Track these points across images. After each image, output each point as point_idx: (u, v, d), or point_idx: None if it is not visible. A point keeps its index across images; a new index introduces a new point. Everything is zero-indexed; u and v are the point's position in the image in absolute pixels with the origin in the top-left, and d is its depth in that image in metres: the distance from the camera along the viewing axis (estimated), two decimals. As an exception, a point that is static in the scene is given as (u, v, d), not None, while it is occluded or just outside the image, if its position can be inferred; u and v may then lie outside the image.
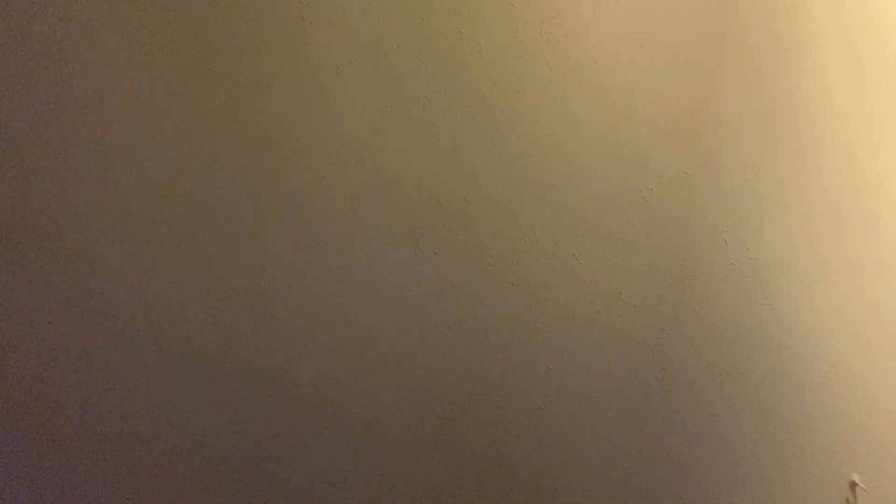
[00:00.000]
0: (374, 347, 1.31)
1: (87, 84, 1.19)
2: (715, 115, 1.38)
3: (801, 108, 1.41)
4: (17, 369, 1.21)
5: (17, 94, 1.17)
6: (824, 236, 1.43)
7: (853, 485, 1.45)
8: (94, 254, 1.21)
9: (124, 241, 1.22)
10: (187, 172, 1.23)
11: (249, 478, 1.28)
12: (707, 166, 1.38)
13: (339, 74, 1.26)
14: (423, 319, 1.31)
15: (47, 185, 1.19)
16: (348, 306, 1.29)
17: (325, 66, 1.25)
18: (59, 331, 1.21)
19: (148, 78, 1.21)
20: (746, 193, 1.40)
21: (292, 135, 1.25)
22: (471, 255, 1.32)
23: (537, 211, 1.33)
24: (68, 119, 1.19)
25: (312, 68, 1.25)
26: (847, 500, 1.45)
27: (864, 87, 1.43)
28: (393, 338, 1.31)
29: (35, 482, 1.22)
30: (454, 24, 1.29)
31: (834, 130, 1.42)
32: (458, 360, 1.33)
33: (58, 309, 1.21)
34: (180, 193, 1.23)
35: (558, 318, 1.36)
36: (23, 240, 1.19)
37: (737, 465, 1.43)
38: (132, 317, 1.23)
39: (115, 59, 1.20)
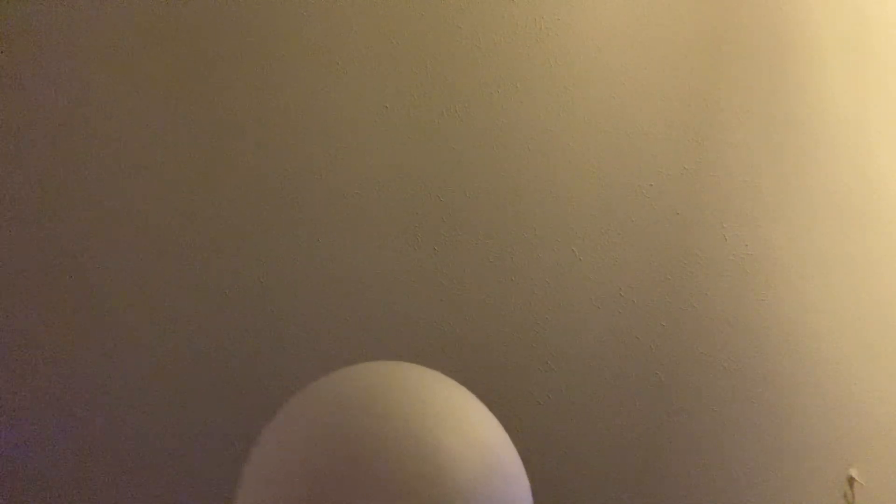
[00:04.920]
0: (373, 343, 1.31)
1: (86, 82, 1.19)
2: (715, 112, 1.38)
3: (802, 104, 1.41)
4: (13, 367, 1.20)
5: (19, 91, 1.17)
6: (824, 233, 1.43)
7: (851, 480, 1.45)
8: (91, 249, 1.21)
9: (121, 237, 1.22)
10: (186, 169, 1.23)
11: (249, 474, 1.28)
12: (707, 163, 1.38)
13: (338, 70, 1.26)
14: (423, 315, 1.31)
15: (45, 181, 1.19)
16: (347, 302, 1.29)
17: (324, 62, 1.25)
18: (55, 328, 1.21)
19: (146, 74, 1.20)
20: (746, 190, 1.40)
21: (290, 130, 1.25)
22: (470, 252, 1.32)
23: (537, 207, 1.33)
24: (65, 115, 1.19)
25: (311, 64, 1.25)
26: (845, 496, 1.46)
27: (864, 84, 1.43)
28: (392, 334, 1.31)
29: (21, 482, 1.22)
30: (453, 19, 1.28)
31: (835, 127, 1.42)
32: (456, 356, 1.34)
33: (54, 305, 1.21)
34: (179, 189, 1.23)
35: (557, 313, 1.36)
36: (21, 237, 1.19)
37: (735, 460, 1.43)
38: (129, 312, 1.23)
39: (114, 56, 1.19)
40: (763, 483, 1.44)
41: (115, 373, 1.23)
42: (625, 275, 1.37)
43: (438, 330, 1.32)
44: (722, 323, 1.41)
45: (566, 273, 1.35)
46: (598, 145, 1.34)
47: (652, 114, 1.36)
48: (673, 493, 1.42)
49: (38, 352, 1.21)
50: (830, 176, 1.43)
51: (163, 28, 1.20)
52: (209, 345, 1.25)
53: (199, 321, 1.25)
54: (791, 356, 1.43)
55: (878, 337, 1.46)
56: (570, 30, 1.32)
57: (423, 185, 1.29)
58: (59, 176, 1.19)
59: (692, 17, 1.36)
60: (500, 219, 1.32)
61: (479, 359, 1.35)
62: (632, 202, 1.36)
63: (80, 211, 1.20)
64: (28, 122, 1.18)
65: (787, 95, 1.41)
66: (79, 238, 1.21)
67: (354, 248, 1.28)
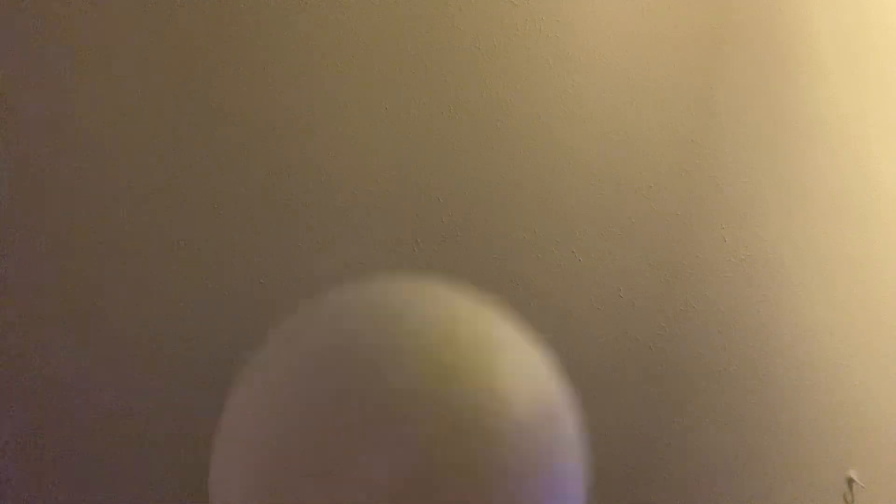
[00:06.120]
0: (372, 345, 1.30)
1: (85, 80, 1.18)
2: (714, 113, 1.38)
3: (801, 106, 1.41)
4: (13, 367, 1.20)
5: (17, 91, 1.17)
6: (823, 235, 1.43)
7: (850, 481, 1.45)
8: (88, 249, 1.20)
9: (120, 236, 1.21)
10: (185, 169, 1.22)
11: (247, 476, 1.28)
12: (706, 164, 1.38)
13: (337, 71, 1.25)
14: (422, 317, 1.31)
15: (43, 180, 1.18)
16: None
17: (324, 62, 1.25)
18: (53, 328, 1.20)
19: (146, 72, 1.20)
20: (745, 191, 1.40)
21: (290, 131, 1.25)
22: (470, 252, 1.32)
23: (536, 208, 1.33)
24: (63, 113, 1.18)
25: (311, 65, 1.24)
26: (844, 497, 1.46)
27: (863, 85, 1.43)
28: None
29: (29, 487, 1.22)
30: (453, 20, 1.28)
31: (834, 128, 1.42)
32: (456, 357, 1.33)
33: (51, 306, 1.20)
34: (178, 190, 1.22)
35: (557, 315, 1.35)
36: (19, 235, 1.19)
37: (734, 462, 1.43)
38: (127, 313, 1.22)
39: (114, 54, 1.19)
40: (762, 484, 1.44)
41: (110, 372, 1.23)
42: (624, 276, 1.37)
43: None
44: (721, 324, 1.41)
45: (565, 274, 1.35)
46: (597, 146, 1.34)
47: (651, 114, 1.35)
48: (672, 493, 1.42)
49: (36, 350, 1.20)
50: (830, 176, 1.43)
51: (162, 28, 1.20)
52: (208, 346, 1.25)
53: (197, 322, 1.24)
54: (790, 357, 1.44)
55: (877, 337, 1.46)
56: (570, 30, 1.32)
57: (422, 186, 1.29)
58: (55, 175, 1.19)
59: (692, 17, 1.36)
60: (500, 220, 1.32)
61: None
62: (631, 203, 1.36)
63: (77, 211, 1.20)
64: (24, 122, 1.17)
65: (786, 95, 1.41)
66: (77, 237, 1.20)
67: (354, 249, 1.28)
